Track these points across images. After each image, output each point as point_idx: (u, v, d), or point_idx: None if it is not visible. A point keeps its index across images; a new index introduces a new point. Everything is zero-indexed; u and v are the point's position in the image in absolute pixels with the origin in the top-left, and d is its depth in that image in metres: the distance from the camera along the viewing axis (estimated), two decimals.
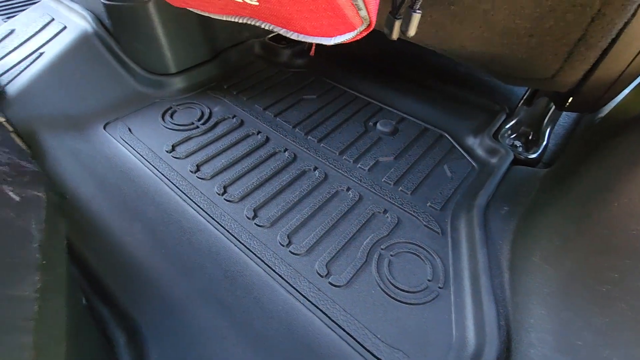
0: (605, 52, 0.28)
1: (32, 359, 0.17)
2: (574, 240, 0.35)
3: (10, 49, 0.59)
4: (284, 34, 0.32)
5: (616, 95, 0.34)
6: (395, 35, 0.31)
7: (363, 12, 0.22)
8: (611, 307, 0.31)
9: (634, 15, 0.26)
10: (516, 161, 0.53)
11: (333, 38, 0.26)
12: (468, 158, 0.54)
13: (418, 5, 0.28)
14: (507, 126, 0.58)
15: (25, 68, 0.55)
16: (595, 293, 0.32)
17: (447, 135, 0.58)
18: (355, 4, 0.22)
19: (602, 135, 0.40)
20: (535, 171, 0.49)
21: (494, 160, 0.53)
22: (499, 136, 0.56)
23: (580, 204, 0.36)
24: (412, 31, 0.29)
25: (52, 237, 0.22)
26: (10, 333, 0.17)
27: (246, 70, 0.72)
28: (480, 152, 0.55)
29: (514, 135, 0.58)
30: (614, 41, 0.27)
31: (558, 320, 0.31)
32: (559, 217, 0.38)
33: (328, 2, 0.21)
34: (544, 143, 0.54)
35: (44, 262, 0.19)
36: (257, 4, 0.26)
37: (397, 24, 0.30)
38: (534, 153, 0.54)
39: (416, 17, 0.28)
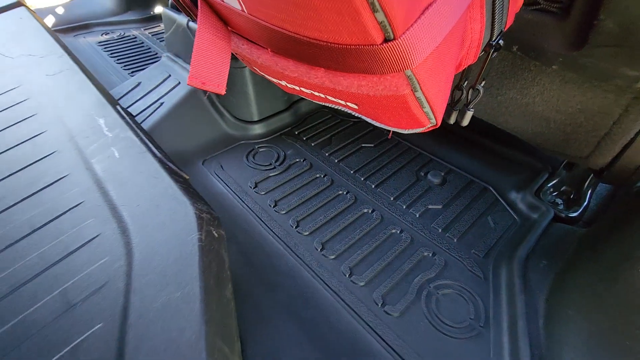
0: (627, 146, 0.35)
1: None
2: (604, 299, 0.41)
3: (138, 98, 0.76)
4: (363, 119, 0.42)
5: (630, 181, 0.40)
6: (452, 121, 0.40)
7: (432, 120, 0.32)
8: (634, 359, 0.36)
9: None
10: (557, 218, 0.58)
11: (407, 130, 0.36)
12: (510, 211, 0.61)
13: (472, 105, 0.37)
14: (550, 184, 0.64)
15: (150, 114, 0.71)
16: (621, 346, 0.38)
17: (491, 189, 0.65)
18: (427, 115, 0.31)
19: (635, 205, 0.45)
20: (574, 230, 0.55)
21: (535, 216, 0.59)
22: (541, 193, 0.62)
23: (611, 267, 0.42)
24: (465, 122, 0.38)
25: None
26: (228, 318, 0.27)
27: (314, 119, 0.85)
28: (522, 206, 0.61)
29: (555, 193, 0.63)
30: (632, 139, 0.34)
31: None
32: (593, 276, 0.43)
33: (408, 113, 0.31)
34: (585, 203, 0.60)
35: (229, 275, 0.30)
36: (356, 107, 0.37)
37: (454, 114, 0.39)
38: (574, 212, 0.59)
39: (470, 113, 0.37)
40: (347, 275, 0.51)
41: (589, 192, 0.60)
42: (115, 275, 0.27)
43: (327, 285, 0.50)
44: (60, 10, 1.29)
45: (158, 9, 1.39)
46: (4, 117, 0.40)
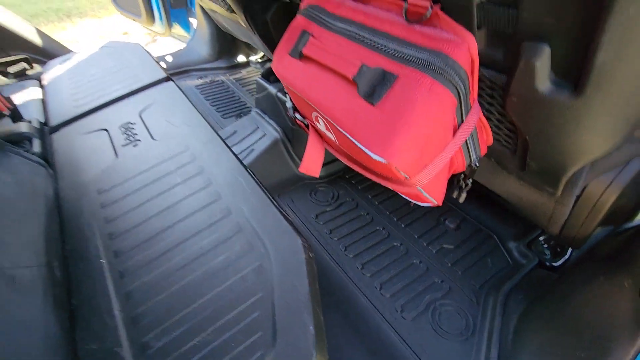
0: (564, 224, 0.55)
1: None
2: (556, 319, 0.60)
3: (235, 143, 1.05)
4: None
5: (576, 246, 0.59)
6: (454, 196, 0.62)
7: (435, 202, 0.54)
8: None
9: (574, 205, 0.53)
10: (541, 265, 0.77)
11: (422, 203, 0.59)
12: (506, 256, 0.80)
13: (463, 193, 0.59)
14: (542, 238, 0.82)
15: (244, 157, 1.00)
16: (567, 353, 0.57)
17: (494, 236, 0.85)
18: (430, 200, 0.54)
19: (582, 260, 0.64)
20: (550, 274, 0.74)
21: (524, 261, 0.78)
22: (533, 244, 0.81)
23: (564, 299, 0.61)
24: (461, 200, 0.60)
25: None
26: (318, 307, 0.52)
27: None
28: (515, 253, 0.80)
29: (545, 245, 0.82)
30: (566, 221, 0.54)
31: None
32: (551, 305, 0.63)
33: (418, 199, 0.54)
34: (566, 256, 0.78)
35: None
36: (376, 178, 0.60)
37: (455, 193, 0.62)
38: (557, 262, 0.77)
39: (464, 195, 0.59)
40: (378, 289, 0.74)
41: (570, 248, 0.79)
42: (265, 280, 0.52)
43: (364, 294, 0.73)
44: (169, 58, 1.66)
45: (241, 58, 1.73)
46: (183, 171, 0.69)
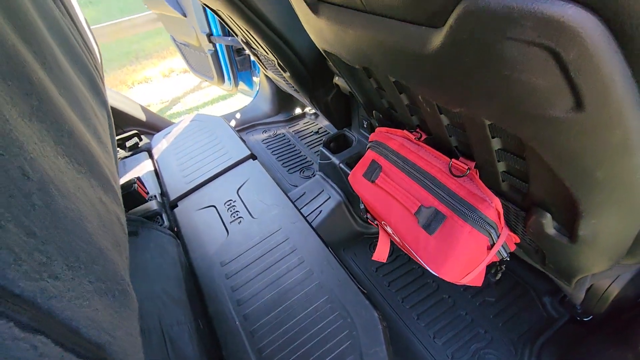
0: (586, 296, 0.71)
1: None
2: None
3: (304, 204, 1.29)
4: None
5: (595, 314, 0.74)
6: (490, 276, 0.80)
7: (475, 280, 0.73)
8: None
9: None
10: (572, 320, 0.92)
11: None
12: (541, 310, 0.95)
13: (499, 274, 0.77)
14: None
15: (314, 218, 1.23)
16: None
17: (531, 291, 1.00)
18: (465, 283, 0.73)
19: (599, 328, 0.79)
20: (581, 329, 0.88)
21: (557, 316, 0.93)
22: (565, 300, 0.95)
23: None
24: (497, 277, 0.78)
25: None
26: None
27: None
28: (549, 308, 0.95)
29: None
30: (582, 302, 0.70)
31: None
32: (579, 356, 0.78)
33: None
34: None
35: None
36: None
37: (492, 273, 0.79)
38: (587, 317, 0.91)
39: (500, 275, 0.77)
40: (432, 337, 0.93)
41: None
42: (354, 345, 0.74)
43: (420, 342, 0.93)
44: (238, 115, 1.96)
45: (297, 111, 1.98)
46: (281, 248, 0.93)
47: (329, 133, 1.78)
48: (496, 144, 0.51)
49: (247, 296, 0.85)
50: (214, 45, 1.91)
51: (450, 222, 0.60)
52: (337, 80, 1.15)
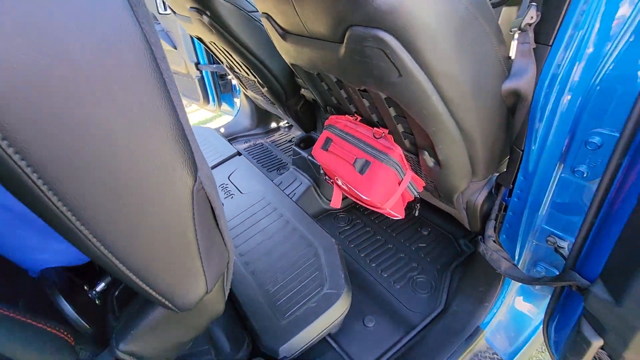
0: (470, 223, 1.08)
1: None
2: (471, 283, 1.11)
3: (282, 190, 1.62)
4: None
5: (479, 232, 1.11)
6: (414, 212, 1.16)
7: (398, 216, 1.08)
8: None
9: None
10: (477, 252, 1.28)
11: (394, 217, 1.12)
12: (457, 248, 1.31)
13: (416, 210, 1.12)
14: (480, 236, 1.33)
15: (292, 197, 1.56)
16: None
17: (451, 236, 1.36)
18: (395, 215, 1.08)
19: None
20: (481, 257, 1.24)
21: (467, 250, 1.29)
22: (473, 240, 1.32)
23: (479, 273, 1.12)
24: (417, 213, 1.13)
25: None
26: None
27: None
28: (463, 246, 1.31)
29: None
30: (469, 220, 1.07)
31: None
32: (473, 276, 1.14)
33: (389, 214, 1.08)
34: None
35: None
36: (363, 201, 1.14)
37: (414, 209, 1.15)
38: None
39: (417, 211, 1.13)
40: (380, 272, 1.26)
41: None
42: (320, 261, 1.06)
43: (371, 275, 1.25)
44: (222, 129, 2.29)
45: (273, 125, 2.35)
46: (265, 209, 1.26)
47: None
48: (392, 112, 0.89)
49: (242, 239, 1.16)
50: (201, 72, 2.28)
51: (373, 165, 0.96)
52: (303, 91, 1.54)
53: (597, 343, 0.63)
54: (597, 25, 0.59)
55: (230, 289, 1.01)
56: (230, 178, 1.44)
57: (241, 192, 1.36)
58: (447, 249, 1.32)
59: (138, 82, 0.33)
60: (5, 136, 0.26)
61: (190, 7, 1.20)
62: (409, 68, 0.64)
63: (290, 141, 2.19)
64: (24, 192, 0.30)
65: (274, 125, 2.36)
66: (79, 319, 0.51)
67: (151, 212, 0.38)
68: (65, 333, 0.47)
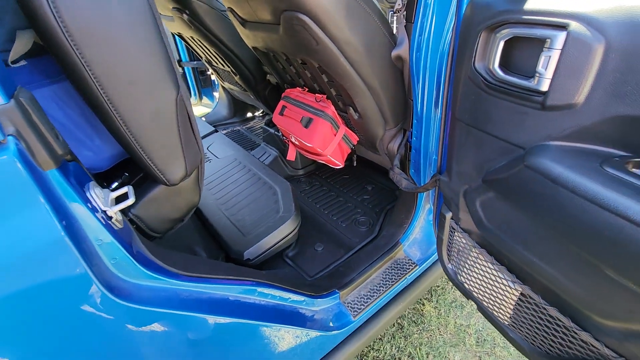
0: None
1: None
2: (398, 213, 1.43)
3: (257, 157, 1.92)
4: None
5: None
6: (353, 161, 1.48)
7: (339, 164, 1.39)
8: None
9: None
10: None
11: (336, 166, 1.43)
12: (391, 194, 1.64)
13: (354, 160, 1.44)
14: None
15: (263, 160, 1.86)
16: None
17: (387, 188, 1.69)
18: (335, 162, 1.39)
19: None
20: (411, 196, 1.57)
21: (399, 194, 1.62)
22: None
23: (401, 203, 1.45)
24: (355, 163, 1.45)
25: None
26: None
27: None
28: (397, 193, 1.64)
29: None
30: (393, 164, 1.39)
31: None
32: (400, 208, 1.46)
33: (331, 162, 1.39)
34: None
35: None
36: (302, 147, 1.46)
37: (353, 160, 1.47)
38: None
39: (355, 161, 1.44)
40: (330, 216, 1.57)
41: None
42: (277, 199, 1.36)
43: (322, 218, 1.56)
44: (203, 119, 2.59)
45: (249, 114, 2.66)
46: (238, 168, 1.56)
47: None
48: (325, 78, 1.21)
49: (218, 188, 1.45)
50: (183, 69, 2.57)
51: (314, 121, 1.28)
52: (269, 77, 1.85)
53: (449, 215, 0.96)
54: (436, 8, 0.93)
55: (207, 218, 1.30)
56: (209, 149, 1.74)
57: (217, 157, 1.65)
58: (386, 198, 1.64)
59: (148, 29, 0.64)
60: (81, 53, 0.56)
61: (173, 7, 1.51)
62: (321, 37, 0.96)
63: (262, 128, 2.50)
64: (84, 86, 0.60)
65: (249, 115, 2.67)
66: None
67: (150, 101, 0.68)
68: None
